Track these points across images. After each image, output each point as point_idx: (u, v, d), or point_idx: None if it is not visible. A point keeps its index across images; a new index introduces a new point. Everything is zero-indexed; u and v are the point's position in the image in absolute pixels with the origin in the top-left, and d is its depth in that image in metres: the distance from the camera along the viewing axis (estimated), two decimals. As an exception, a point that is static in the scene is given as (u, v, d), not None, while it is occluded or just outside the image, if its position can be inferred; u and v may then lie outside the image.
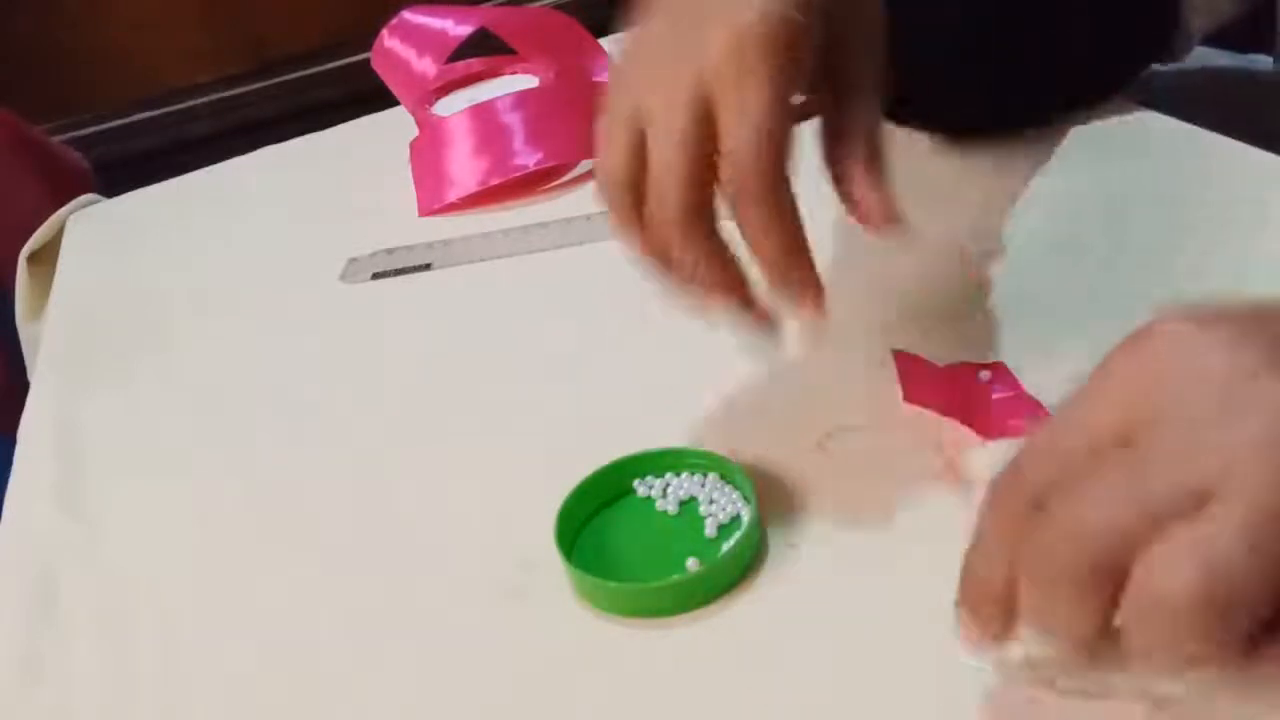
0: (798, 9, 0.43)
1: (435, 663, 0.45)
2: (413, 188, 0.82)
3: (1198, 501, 0.27)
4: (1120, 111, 0.70)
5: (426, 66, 0.85)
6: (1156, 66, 0.72)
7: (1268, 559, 0.27)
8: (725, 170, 0.43)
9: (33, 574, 0.55)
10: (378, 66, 0.87)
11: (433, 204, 0.80)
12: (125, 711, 0.47)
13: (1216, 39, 0.76)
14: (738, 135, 0.42)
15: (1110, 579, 0.28)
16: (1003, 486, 0.32)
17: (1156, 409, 0.29)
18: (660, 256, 0.44)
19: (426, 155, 0.82)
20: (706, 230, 0.44)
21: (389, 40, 0.88)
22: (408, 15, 0.88)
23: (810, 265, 0.44)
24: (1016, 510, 0.31)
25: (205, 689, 0.47)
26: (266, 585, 0.51)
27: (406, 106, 0.87)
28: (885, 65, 0.48)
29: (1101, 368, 0.31)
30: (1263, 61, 0.83)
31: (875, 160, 0.47)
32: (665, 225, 0.43)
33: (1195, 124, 0.68)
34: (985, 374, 0.51)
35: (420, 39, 0.87)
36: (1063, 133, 0.69)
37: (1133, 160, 0.66)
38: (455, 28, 0.85)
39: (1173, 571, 0.27)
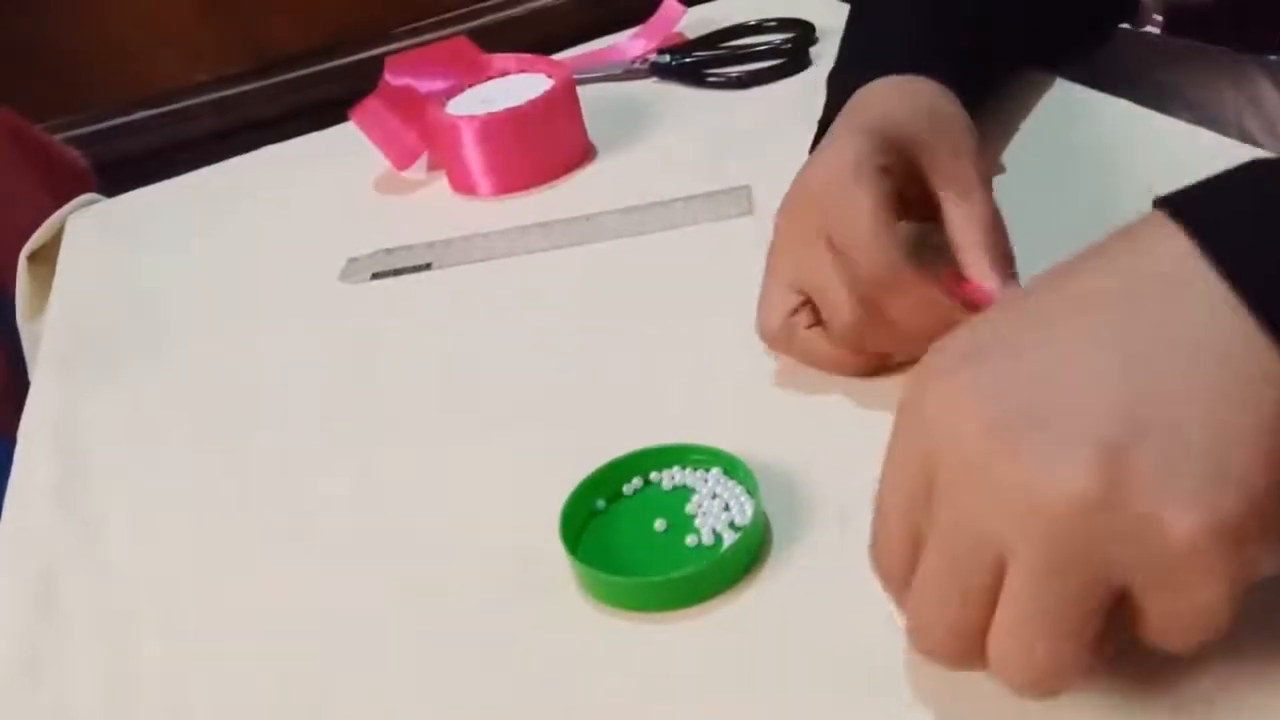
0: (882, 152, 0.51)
1: (439, 660, 0.45)
2: (412, 188, 0.82)
3: (997, 569, 0.33)
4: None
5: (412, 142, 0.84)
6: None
7: (1062, 602, 0.32)
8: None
9: (33, 574, 0.55)
10: (360, 124, 0.85)
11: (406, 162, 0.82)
12: (125, 711, 0.47)
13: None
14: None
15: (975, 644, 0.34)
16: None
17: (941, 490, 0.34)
18: None
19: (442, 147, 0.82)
20: None
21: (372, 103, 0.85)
22: (389, 78, 0.85)
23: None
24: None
25: (205, 689, 0.47)
26: (266, 585, 0.51)
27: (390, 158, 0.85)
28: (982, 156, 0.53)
29: (892, 444, 0.37)
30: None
31: (993, 248, 0.50)
32: None
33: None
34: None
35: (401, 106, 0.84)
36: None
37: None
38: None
39: (1012, 653, 0.33)
